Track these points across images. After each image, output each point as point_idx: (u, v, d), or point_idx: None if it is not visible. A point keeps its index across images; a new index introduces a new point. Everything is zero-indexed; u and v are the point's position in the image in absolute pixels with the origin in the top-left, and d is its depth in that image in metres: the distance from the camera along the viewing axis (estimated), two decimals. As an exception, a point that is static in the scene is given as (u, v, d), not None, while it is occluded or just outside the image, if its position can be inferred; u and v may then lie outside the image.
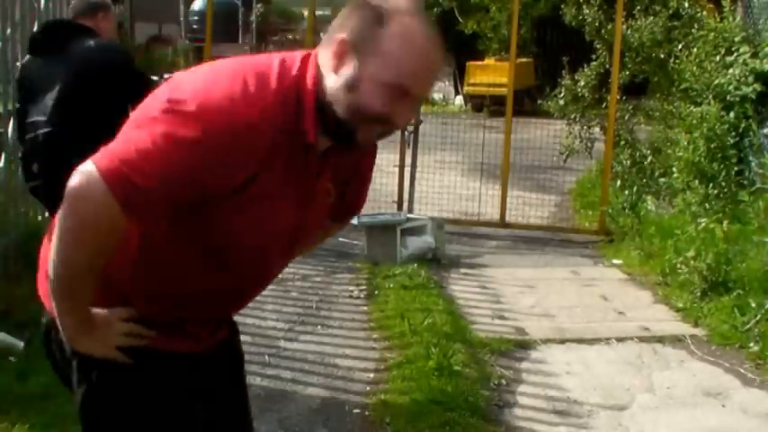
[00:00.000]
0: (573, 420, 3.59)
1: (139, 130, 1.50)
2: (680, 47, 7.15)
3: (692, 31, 7.12)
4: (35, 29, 3.86)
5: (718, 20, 6.79)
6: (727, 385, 4.00)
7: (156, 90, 1.60)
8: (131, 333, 1.64)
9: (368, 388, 3.81)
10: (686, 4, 7.62)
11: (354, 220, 6.24)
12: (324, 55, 1.54)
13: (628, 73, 7.93)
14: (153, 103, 1.53)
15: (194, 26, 20.05)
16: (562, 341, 4.53)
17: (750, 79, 6.30)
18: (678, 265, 5.36)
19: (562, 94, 8.86)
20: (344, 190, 1.77)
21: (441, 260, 6.05)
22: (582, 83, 8.50)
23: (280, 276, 4.98)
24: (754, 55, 6.44)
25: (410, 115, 1.65)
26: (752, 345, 4.37)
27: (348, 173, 1.76)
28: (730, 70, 6.42)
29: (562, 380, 4.02)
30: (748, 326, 4.53)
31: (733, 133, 6.28)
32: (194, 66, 1.60)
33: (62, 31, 3.64)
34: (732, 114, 6.28)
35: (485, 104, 17.27)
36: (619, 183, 7.31)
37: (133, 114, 1.60)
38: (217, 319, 1.83)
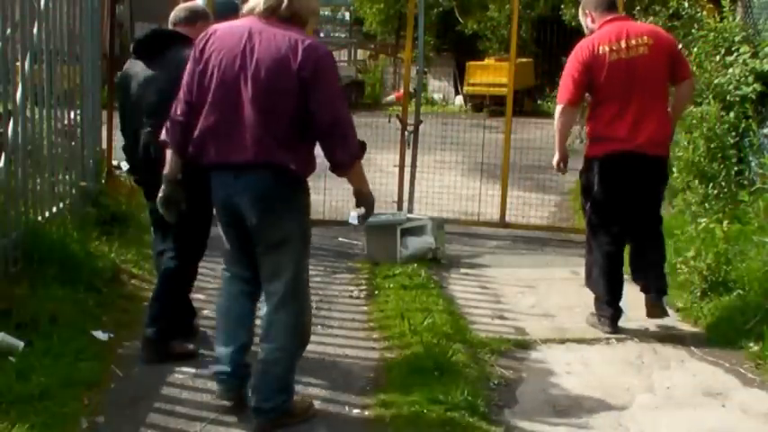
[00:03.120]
0: (573, 420, 3.59)
1: None
2: (680, 47, 7.14)
3: (692, 31, 7.11)
4: (138, 35, 4.18)
5: (718, 20, 6.78)
6: (728, 385, 4.00)
7: None
8: None
9: (368, 388, 3.81)
10: (686, 4, 7.60)
11: (354, 221, 6.25)
12: None
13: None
14: None
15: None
16: (562, 341, 4.53)
17: (750, 79, 6.30)
18: (678, 265, 5.36)
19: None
20: None
21: (441, 260, 6.05)
22: (582, 83, 8.48)
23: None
24: (754, 55, 6.44)
25: None
26: (752, 345, 4.37)
27: None
28: (730, 70, 6.42)
29: (562, 380, 4.02)
30: (748, 326, 4.53)
31: (733, 133, 6.28)
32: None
33: (162, 39, 4.00)
34: (732, 114, 6.28)
35: (485, 104, 17.28)
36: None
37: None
38: None
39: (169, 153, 3.37)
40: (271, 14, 3.17)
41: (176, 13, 4.13)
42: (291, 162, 3.14)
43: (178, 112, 3.31)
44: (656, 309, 4.69)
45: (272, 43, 3.10)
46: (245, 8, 3.28)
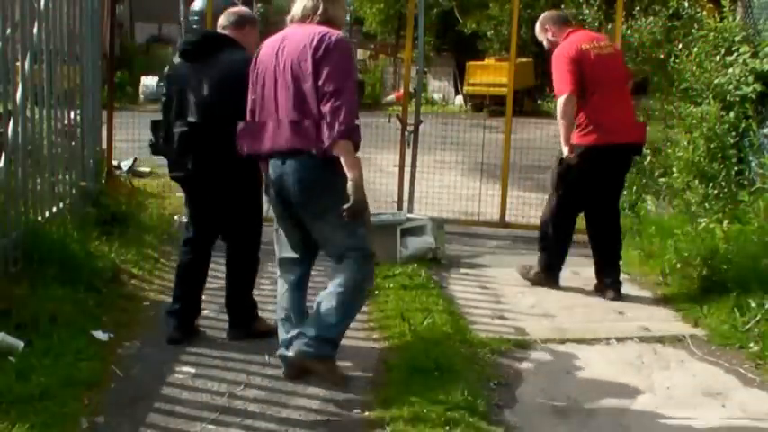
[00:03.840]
0: (573, 420, 3.59)
1: None
2: (680, 47, 7.15)
3: (692, 31, 7.12)
4: (187, 38, 4.37)
5: (718, 20, 6.78)
6: (728, 385, 4.00)
7: None
8: None
9: (368, 388, 3.81)
10: (686, 4, 7.62)
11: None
12: None
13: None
14: None
15: (194, 26, 20.02)
16: (562, 341, 4.53)
17: (750, 79, 6.29)
18: (678, 265, 5.36)
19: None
20: None
21: (441, 260, 6.05)
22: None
23: (280, 276, 4.83)
24: (754, 55, 6.44)
25: None
26: (752, 345, 4.37)
27: None
28: (730, 70, 6.42)
29: (562, 380, 4.02)
30: (748, 326, 4.53)
31: (733, 133, 6.28)
32: None
33: (213, 42, 4.20)
34: (732, 114, 6.28)
35: (485, 104, 17.29)
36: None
37: None
38: None
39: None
40: (305, 21, 3.68)
41: (225, 17, 4.33)
42: (322, 144, 3.47)
43: (245, 122, 3.79)
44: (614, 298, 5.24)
45: (296, 39, 3.60)
46: (288, 18, 3.77)
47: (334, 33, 3.57)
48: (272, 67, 3.63)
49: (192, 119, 4.08)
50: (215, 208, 4.27)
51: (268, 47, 3.72)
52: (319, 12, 3.64)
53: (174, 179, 4.41)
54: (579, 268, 5.79)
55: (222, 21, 4.33)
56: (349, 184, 3.48)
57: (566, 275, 5.68)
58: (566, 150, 5.12)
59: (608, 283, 5.28)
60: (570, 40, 5.17)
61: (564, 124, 5.08)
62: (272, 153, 3.66)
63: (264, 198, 4.15)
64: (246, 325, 4.39)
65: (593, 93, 5.05)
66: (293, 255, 3.88)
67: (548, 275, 5.48)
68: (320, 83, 3.46)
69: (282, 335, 3.88)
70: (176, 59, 4.29)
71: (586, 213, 5.41)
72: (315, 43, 3.49)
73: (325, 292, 3.73)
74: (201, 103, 4.06)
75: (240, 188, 4.18)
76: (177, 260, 4.54)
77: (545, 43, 5.38)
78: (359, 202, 3.50)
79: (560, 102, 5.09)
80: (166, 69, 4.47)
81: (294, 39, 3.61)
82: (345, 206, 3.48)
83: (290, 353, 3.74)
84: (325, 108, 3.44)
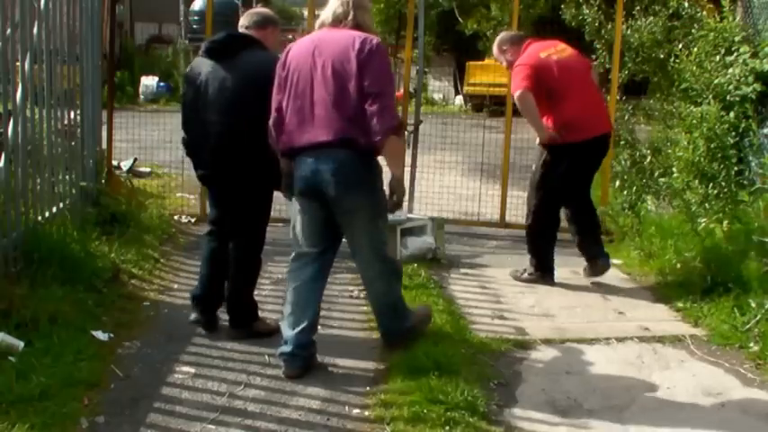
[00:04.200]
0: (573, 420, 3.59)
1: None
2: (680, 47, 7.13)
3: (692, 30, 7.11)
4: (214, 37, 4.37)
5: (718, 20, 6.78)
6: (727, 385, 4.00)
7: None
8: None
9: (368, 388, 3.81)
10: (686, 4, 7.60)
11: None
12: None
13: (628, 73, 7.92)
14: None
15: (194, 26, 20.04)
16: (562, 341, 4.53)
17: (750, 79, 6.28)
18: (678, 265, 5.36)
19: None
20: None
21: (441, 260, 6.05)
22: (582, 83, 8.47)
23: (279, 276, 4.99)
24: (754, 55, 6.43)
25: None
26: (752, 345, 4.37)
27: None
28: (730, 70, 6.41)
29: (562, 380, 4.02)
30: (748, 326, 4.53)
31: (733, 133, 6.26)
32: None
33: (238, 42, 4.23)
34: (732, 114, 6.26)
35: (485, 104, 17.28)
36: (618, 183, 7.30)
37: None
38: None
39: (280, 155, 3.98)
40: (337, 25, 3.88)
41: (248, 17, 4.36)
42: (361, 137, 3.69)
43: (271, 120, 3.91)
44: (605, 267, 5.57)
45: (335, 40, 3.80)
46: (318, 22, 3.99)
47: (374, 38, 3.80)
48: (307, 67, 3.78)
49: (214, 117, 4.11)
50: (232, 205, 4.31)
51: (300, 47, 3.89)
52: (350, 17, 3.86)
53: (199, 177, 4.42)
54: (579, 268, 5.80)
55: (244, 21, 4.35)
56: (393, 180, 3.83)
57: (566, 275, 5.69)
58: (540, 137, 5.34)
59: (594, 254, 5.55)
60: (528, 52, 5.36)
61: (531, 115, 5.22)
62: (306, 149, 3.78)
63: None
64: (247, 325, 4.40)
65: (564, 97, 5.24)
66: (312, 249, 4.01)
67: (543, 275, 5.60)
68: (365, 83, 3.66)
69: (287, 332, 3.92)
70: (200, 58, 4.30)
71: (565, 204, 5.59)
72: (358, 46, 3.71)
73: (374, 302, 4.20)
74: (225, 102, 4.09)
75: (256, 187, 4.23)
76: (202, 249, 4.60)
77: (504, 63, 5.57)
78: (401, 196, 3.90)
79: (516, 96, 5.22)
80: (187, 68, 4.47)
81: (331, 41, 3.80)
82: (390, 201, 3.88)
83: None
84: (372, 108, 3.65)
